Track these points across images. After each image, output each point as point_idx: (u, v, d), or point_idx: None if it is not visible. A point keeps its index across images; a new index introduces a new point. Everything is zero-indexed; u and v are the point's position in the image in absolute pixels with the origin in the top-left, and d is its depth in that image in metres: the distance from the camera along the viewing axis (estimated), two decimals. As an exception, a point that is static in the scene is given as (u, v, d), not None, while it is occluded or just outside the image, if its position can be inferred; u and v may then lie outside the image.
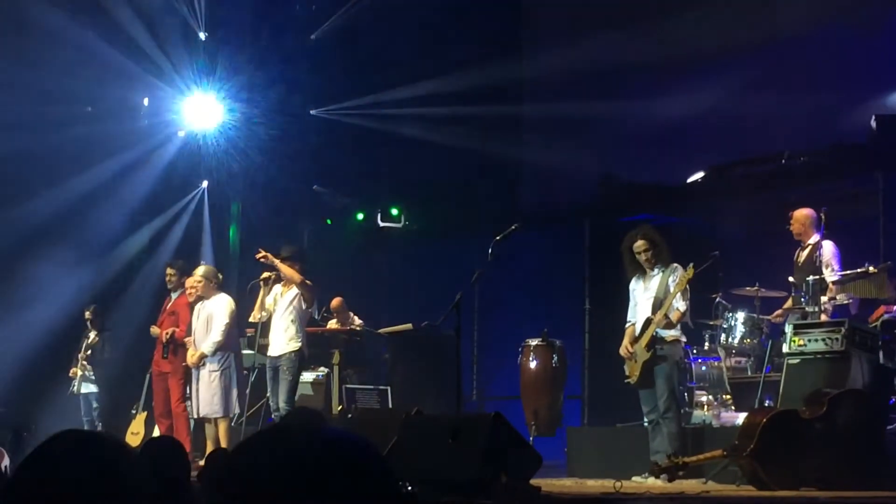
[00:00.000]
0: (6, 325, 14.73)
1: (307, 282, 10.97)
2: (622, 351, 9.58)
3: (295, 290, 10.90)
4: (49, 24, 14.56)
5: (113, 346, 13.87)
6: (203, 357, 11.21)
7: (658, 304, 9.38)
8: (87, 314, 14.00)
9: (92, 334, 13.92)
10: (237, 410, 11.37)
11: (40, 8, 14.50)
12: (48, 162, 15.00)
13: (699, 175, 13.55)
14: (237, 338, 11.65)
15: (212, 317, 11.28)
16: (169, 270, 12.16)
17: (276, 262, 10.83)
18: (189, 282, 11.70)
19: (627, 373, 9.55)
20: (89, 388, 13.79)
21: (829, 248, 9.86)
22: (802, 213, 10.17)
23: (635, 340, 9.48)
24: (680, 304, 9.36)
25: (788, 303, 10.28)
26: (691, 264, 9.36)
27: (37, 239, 15.04)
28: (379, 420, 8.73)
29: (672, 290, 9.31)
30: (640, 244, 9.52)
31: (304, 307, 10.99)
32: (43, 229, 15.09)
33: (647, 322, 9.41)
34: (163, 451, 4.67)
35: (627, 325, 9.73)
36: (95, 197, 15.65)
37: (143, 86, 16.10)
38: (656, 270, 9.55)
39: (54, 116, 14.96)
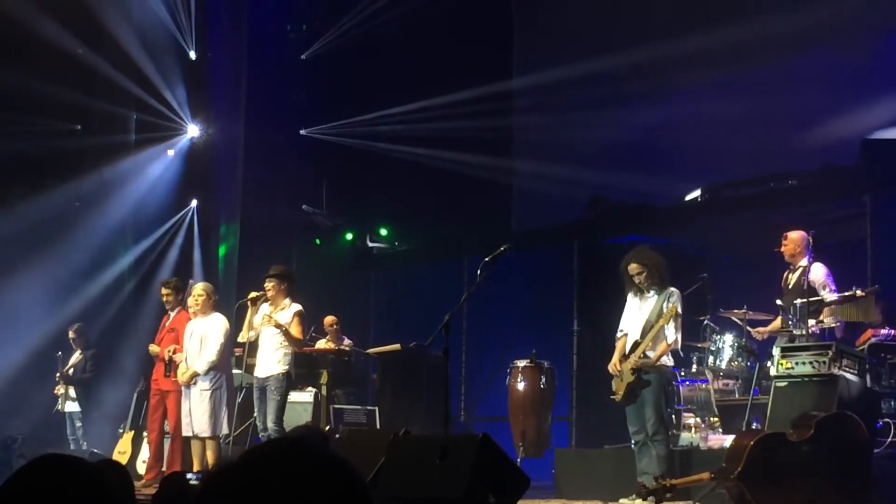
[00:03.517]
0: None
1: (303, 336, 11.02)
2: (611, 368, 9.54)
3: (288, 315, 10.84)
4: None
5: (96, 364, 13.77)
6: (195, 375, 11.11)
7: (648, 328, 9.37)
8: (71, 333, 13.90)
9: (77, 353, 13.84)
10: (226, 430, 11.29)
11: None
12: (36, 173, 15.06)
13: (694, 195, 13.56)
14: (230, 358, 11.57)
15: (206, 336, 11.18)
16: (164, 290, 11.87)
17: (283, 326, 10.75)
18: (191, 299, 11.56)
19: (614, 388, 9.52)
20: (72, 406, 13.71)
21: (821, 270, 9.89)
22: (797, 235, 10.15)
23: (624, 358, 9.47)
24: (670, 334, 9.34)
25: (775, 323, 10.29)
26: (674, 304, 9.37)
27: (25, 253, 15.04)
28: (367, 440, 8.68)
29: (659, 321, 9.29)
30: (633, 267, 9.52)
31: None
32: (33, 242, 15.11)
33: (635, 345, 9.41)
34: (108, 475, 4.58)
35: (619, 334, 9.68)
36: (83, 214, 15.64)
37: (133, 106, 16.10)
38: (652, 293, 9.53)
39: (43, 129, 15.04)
